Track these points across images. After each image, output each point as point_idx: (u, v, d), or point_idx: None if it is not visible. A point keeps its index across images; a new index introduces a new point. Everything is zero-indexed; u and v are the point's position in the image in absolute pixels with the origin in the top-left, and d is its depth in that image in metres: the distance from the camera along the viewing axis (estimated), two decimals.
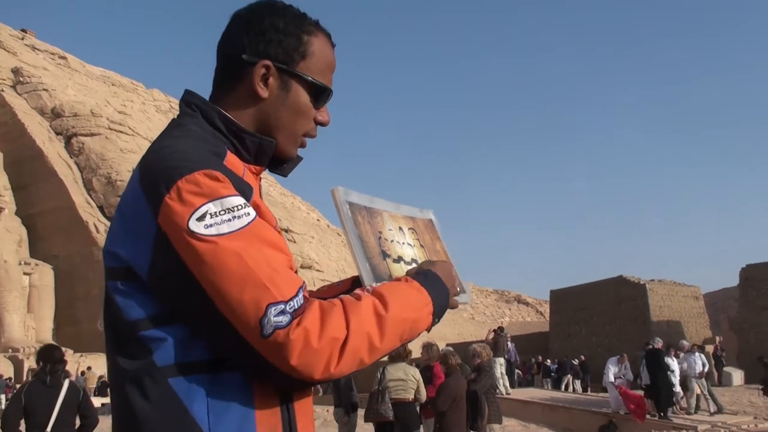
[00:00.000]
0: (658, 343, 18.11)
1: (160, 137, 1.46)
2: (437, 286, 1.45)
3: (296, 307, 1.25)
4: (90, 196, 51.24)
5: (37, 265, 46.64)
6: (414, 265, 1.66)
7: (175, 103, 79.66)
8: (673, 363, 18.18)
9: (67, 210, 48.95)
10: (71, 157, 53.35)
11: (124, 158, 52.72)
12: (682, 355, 19.16)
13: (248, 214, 1.30)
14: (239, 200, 1.30)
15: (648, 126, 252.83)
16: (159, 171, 1.31)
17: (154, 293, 1.32)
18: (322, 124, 1.60)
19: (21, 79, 58.17)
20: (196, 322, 1.29)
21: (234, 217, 1.28)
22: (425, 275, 1.46)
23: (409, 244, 1.73)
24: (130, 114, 61.95)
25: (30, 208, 49.46)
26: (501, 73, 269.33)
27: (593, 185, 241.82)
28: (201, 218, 1.25)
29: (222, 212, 1.27)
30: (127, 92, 72.49)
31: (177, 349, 1.32)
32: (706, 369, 18.84)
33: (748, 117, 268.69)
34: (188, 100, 1.53)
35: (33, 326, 44.51)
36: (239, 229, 1.27)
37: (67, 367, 7.02)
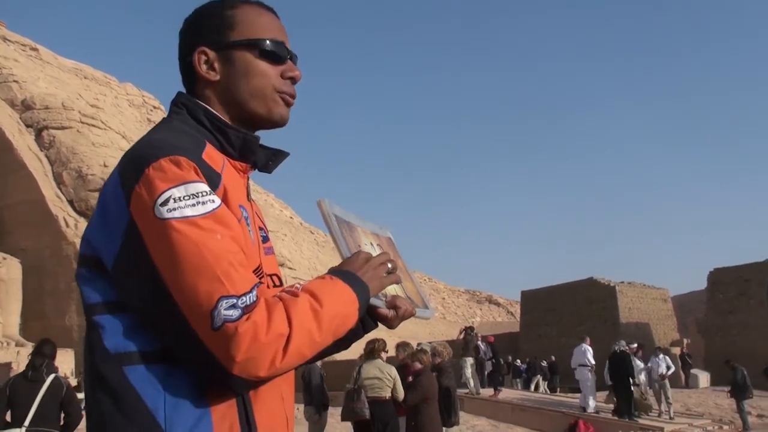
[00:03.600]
0: (623, 347, 18.27)
1: (148, 131, 1.50)
2: (359, 284, 1.45)
3: (248, 303, 1.26)
4: (60, 190, 50.61)
5: (4, 258, 45.94)
6: None
7: (149, 97, 79.16)
8: (640, 364, 18.38)
9: (37, 204, 48.32)
10: (41, 150, 52.65)
11: (95, 152, 52.15)
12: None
13: (213, 201, 1.32)
14: (204, 187, 1.33)
15: (620, 133, 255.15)
16: (132, 161, 1.35)
17: (114, 280, 1.34)
18: (294, 79, 1.61)
19: None
20: (148, 311, 1.30)
21: (198, 203, 1.30)
22: (347, 275, 1.46)
23: (385, 252, 1.73)
24: (103, 108, 61.28)
25: None
26: (478, 80, 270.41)
27: (566, 189, 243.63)
28: (165, 203, 1.28)
29: (186, 197, 1.29)
30: (99, 86, 71.70)
31: (129, 336, 1.33)
32: (670, 371, 18.97)
33: (718, 125, 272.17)
34: (176, 100, 1.58)
35: (0, 321, 43.91)
36: (202, 214, 1.29)
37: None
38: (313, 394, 10.81)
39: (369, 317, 1.61)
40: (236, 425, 1.33)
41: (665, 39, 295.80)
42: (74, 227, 47.61)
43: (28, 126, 53.87)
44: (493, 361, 22.89)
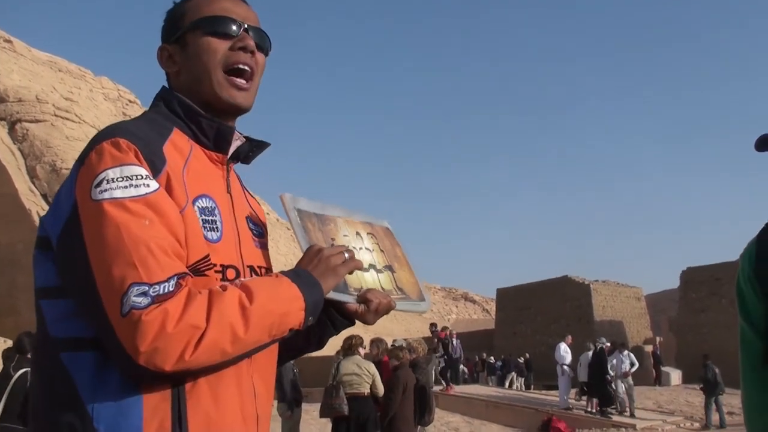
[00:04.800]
0: (604, 344, 18.46)
1: None
2: (309, 282, 1.42)
3: (161, 292, 1.23)
4: (33, 183, 50.04)
5: None
6: (371, 271, 1.66)
7: (125, 91, 78.33)
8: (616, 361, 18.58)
9: (10, 197, 47.72)
10: (15, 144, 52.01)
11: (70, 146, 51.61)
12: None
13: (147, 185, 1.32)
14: (140, 170, 1.33)
15: (595, 133, 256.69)
16: (86, 147, 1.37)
17: (56, 262, 1.35)
18: (244, 48, 1.58)
19: None
20: (80, 295, 1.30)
21: (131, 185, 1.30)
22: (296, 273, 1.44)
23: (367, 249, 1.71)
24: (77, 101, 60.63)
25: None
26: (460, 78, 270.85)
27: (541, 187, 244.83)
28: (99, 184, 1.29)
29: (119, 179, 1.30)
30: (74, 79, 70.94)
31: (67, 322, 1.33)
32: (634, 368, 19.09)
33: (691, 125, 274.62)
34: (158, 94, 1.61)
35: None
36: (133, 197, 1.29)
37: None
38: (285, 390, 10.80)
39: (340, 315, 1.58)
40: (167, 421, 1.29)
41: (643, 35, 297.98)
42: None
43: (1, 119, 53.21)
44: (445, 357, 22.58)
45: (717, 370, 17.64)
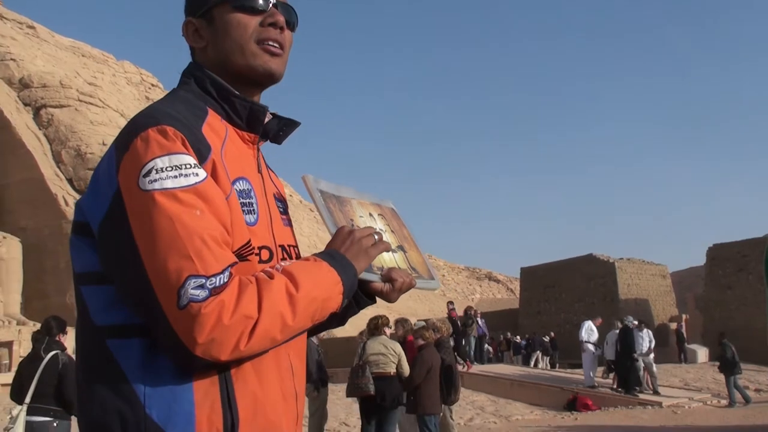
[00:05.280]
0: (631, 322, 18.35)
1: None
2: (345, 265, 1.42)
3: (217, 284, 1.24)
4: (59, 168, 50.50)
5: (4, 237, 45.94)
6: (392, 251, 1.66)
7: (147, 75, 78.65)
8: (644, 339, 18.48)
9: (36, 182, 48.22)
10: (40, 129, 52.46)
11: (94, 130, 51.99)
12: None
13: (196, 174, 1.30)
14: (189, 159, 1.31)
15: (621, 111, 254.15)
16: (126, 131, 1.34)
17: (98, 249, 1.33)
18: (274, 24, 1.56)
19: None
20: (123, 283, 1.29)
21: (180, 175, 1.28)
22: (331, 255, 1.44)
23: (381, 230, 1.70)
24: (101, 86, 60.97)
25: None
26: (481, 59, 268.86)
27: (566, 166, 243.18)
28: (147, 173, 1.27)
29: (169, 168, 1.28)
30: (97, 63, 71.32)
31: (113, 309, 1.32)
32: (653, 345, 18.93)
33: (720, 108, 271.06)
34: (186, 70, 1.57)
35: (1, 299, 43.96)
36: (183, 187, 1.27)
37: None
38: (311, 371, 10.86)
39: (363, 293, 1.58)
40: (217, 403, 1.30)
41: (666, 20, 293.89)
42: (73, 206, 47.42)
43: (26, 104, 53.65)
44: (454, 336, 22.48)
45: (734, 349, 17.41)
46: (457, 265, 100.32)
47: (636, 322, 18.96)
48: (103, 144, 50.43)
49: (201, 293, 1.21)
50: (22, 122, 51.42)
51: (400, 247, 1.71)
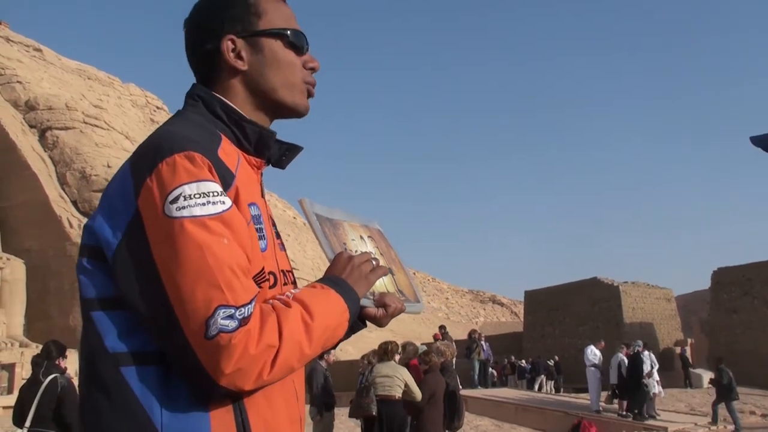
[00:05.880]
0: (639, 347, 18.32)
1: (162, 124, 1.46)
2: (349, 292, 1.43)
3: (246, 315, 1.23)
4: (64, 190, 50.64)
5: (8, 259, 45.99)
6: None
7: (152, 97, 79.06)
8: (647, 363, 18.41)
9: (41, 204, 48.35)
10: (45, 151, 52.67)
11: (99, 153, 52.18)
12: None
13: (223, 202, 1.29)
14: (216, 186, 1.30)
15: (623, 132, 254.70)
16: (145, 153, 1.32)
17: (113, 275, 1.30)
18: (314, 69, 1.60)
19: None
20: (143, 310, 1.26)
21: (209, 202, 1.26)
22: (336, 282, 1.44)
23: (371, 253, 1.70)
24: (106, 108, 61.28)
25: (2, 202, 48.82)
26: (484, 77, 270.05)
27: (569, 188, 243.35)
28: (175, 200, 1.25)
29: (197, 195, 1.26)
30: (103, 86, 71.71)
31: (127, 336, 1.29)
32: (655, 368, 18.85)
33: (725, 126, 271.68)
34: (192, 92, 1.54)
35: (4, 321, 43.88)
36: (212, 215, 1.26)
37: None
38: (315, 395, 10.81)
39: (357, 318, 1.57)
40: (233, 431, 1.29)
41: (669, 32, 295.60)
42: (78, 228, 47.59)
43: (31, 126, 53.92)
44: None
45: (731, 375, 17.30)
46: (461, 288, 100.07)
47: (640, 347, 18.89)
48: (108, 166, 50.59)
49: (231, 324, 1.21)
50: (28, 144, 51.65)
51: (390, 270, 1.71)
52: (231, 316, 1.21)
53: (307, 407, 10.73)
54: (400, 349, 9.69)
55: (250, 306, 1.24)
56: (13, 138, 50.54)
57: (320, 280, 1.45)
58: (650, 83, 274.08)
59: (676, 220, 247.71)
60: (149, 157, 1.30)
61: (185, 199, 1.25)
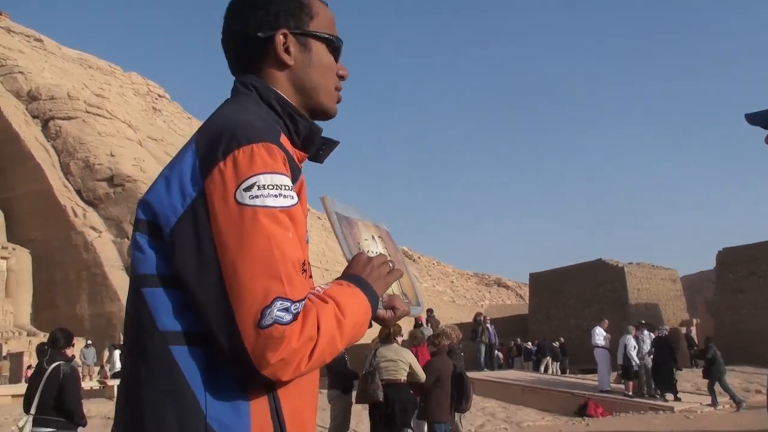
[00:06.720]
0: (665, 331, 18.58)
1: (220, 109, 1.48)
2: (371, 292, 1.45)
3: (299, 309, 1.25)
4: (67, 179, 50.71)
5: (14, 249, 46.16)
6: None
7: (154, 86, 78.95)
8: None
9: (45, 194, 48.44)
10: (48, 141, 52.72)
11: (102, 142, 52.19)
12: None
13: (292, 197, 1.32)
14: (288, 180, 1.32)
15: (628, 114, 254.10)
16: (217, 138, 1.33)
17: (169, 253, 1.31)
18: (344, 78, 1.64)
19: None
20: (194, 289, 1.28)
21: (280, 195, 1.29)
22: (359, 282, 1.45)
23: (380, 253, 1.73)
24: (108, 97, 61.21)
25: (6, 192, 48.92)
26: (483, 64, 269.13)
27: (574, 171, 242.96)
28: (249, 188, 1.27)
29: (270, 187, 1.28)
30: (104, 75, 71.67)
31: (178, 315, 1.31)
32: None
33: (730, 111, 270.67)
34: (244, 81, 1.55)
35: (11, 311, 44.14)
36: (282, 207, 1.29)
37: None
38: (338, 377, 10.81)
39: None
40: (267, 416, 1.32)
41: (675, 22, 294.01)
42: (82, 217, 47.74)
43: (34, 117, 53.92)
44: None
45: (718, 353, 17.53)
46: (466, 272, 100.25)
47: (667, 330, 19.17)
48: (111, 155, 50.63)
49: (286, 317, 1.23)
50: (31, 134, 51.69)
51: None
52: (287, 309, 1.23)
53: (324, 391, 10.79)
54: (401, 332, 9.69)
55: (304, 301, 1.27)
56: (16, 128, 50.57)
57: (344, 278, 1.47)
58: (657, 65, 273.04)
59: (681, 200, 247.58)
60: (223, 142, 1.31)
61: (259, 189, 1.27)
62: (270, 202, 1.27)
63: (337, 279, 1.47)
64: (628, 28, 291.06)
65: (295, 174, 1.38)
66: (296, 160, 1.51)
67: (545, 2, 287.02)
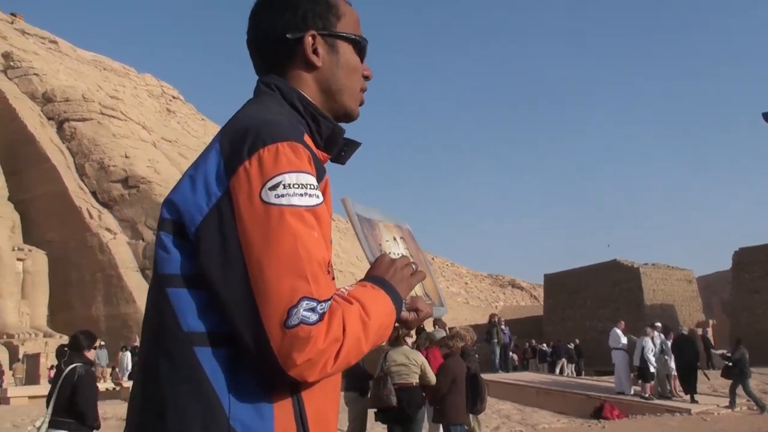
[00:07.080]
0: (685, 330, 18.55)
1: (243, 108, 1.48)
2: (395, 294, 1.44)
3: (326, 310, 1.25)
4: (83, 181, 51.03)
5: (30, 251, 46.49)
6: None
7: (168, 87, 79.37)
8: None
9: (60, 195, 48.75)
10: (63, 143, 53.06)
11: (116, 143, 52.47)
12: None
13: (318, 196, 1.32)
14: (313, 180, 1.32)
15: (642, 113, 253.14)
16: (242, 137, 1.32)
17: (194, 252, 1.31)
18: (368, 78, 1.64)
19: (11, 63, 57.75)
20: (219, 288, 1.27)
21: (306, 194, 1.29)
22: (383, 284, 1.44)
23: (403, 255, 1.72)
24: (122, 99, 61.62)
25: (22, 194, 49.23)
26: (497, 66, 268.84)
27: (589, 172, 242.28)
28: (274, 187, 1.27)
29: (296, 186, 1.28)
30: (118, 77, 72.11)
31: (203, 315, 1.30)
32: (666, 350, 18.88)
33: (742, 110, 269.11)
34: (268, 81, 1.55)
35: (27, 312, 44.44)
36: (308, 206, 1.28)
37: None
38: (355, 378, 10.79)
39: None
40: (291, 418, 1.31)
41: (673, 14, 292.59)
42: (98, 218, 48.01)
43: (49, 118, 54.29)
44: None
45: (746, 355, 17.31)
46: (480, 273, 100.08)
47: (686, 330, 19.11)
48: (126, 156, 50.90)
49: (312, 317, 1.22)
50: (46, 136, 52.04)
51: None
52: (313, 309, 1.22)
53: (342, 393, 10.76)
54: (410, 333, 9.63)
55: (329, 301, 1.27)
56: (31, 130, 50.93)
57: (368, 280, 1.46)
58: (670, 64, 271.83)
59: (697, 200, 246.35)
60: (248, 141, 1.31)
61: (285, 188, 1.26)
62: (296, 201, 1.27)
63: (361, 281, 1.46)
64: (628, 28, 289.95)
65: (320, 173, 1.37)
66: (319, 159, 1.50)
67: (545, 2, 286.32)
